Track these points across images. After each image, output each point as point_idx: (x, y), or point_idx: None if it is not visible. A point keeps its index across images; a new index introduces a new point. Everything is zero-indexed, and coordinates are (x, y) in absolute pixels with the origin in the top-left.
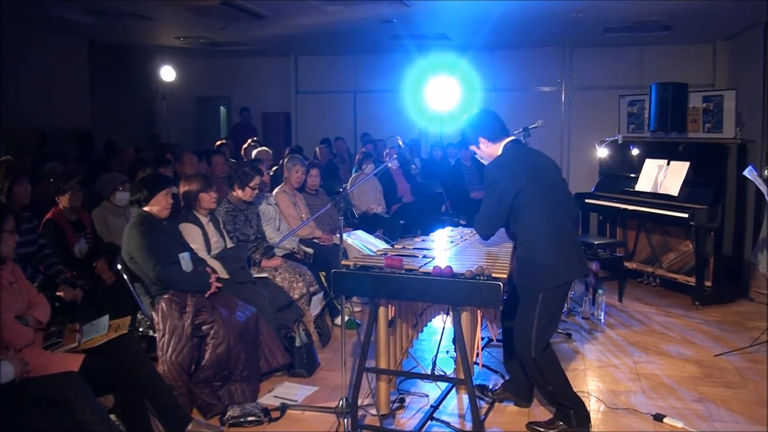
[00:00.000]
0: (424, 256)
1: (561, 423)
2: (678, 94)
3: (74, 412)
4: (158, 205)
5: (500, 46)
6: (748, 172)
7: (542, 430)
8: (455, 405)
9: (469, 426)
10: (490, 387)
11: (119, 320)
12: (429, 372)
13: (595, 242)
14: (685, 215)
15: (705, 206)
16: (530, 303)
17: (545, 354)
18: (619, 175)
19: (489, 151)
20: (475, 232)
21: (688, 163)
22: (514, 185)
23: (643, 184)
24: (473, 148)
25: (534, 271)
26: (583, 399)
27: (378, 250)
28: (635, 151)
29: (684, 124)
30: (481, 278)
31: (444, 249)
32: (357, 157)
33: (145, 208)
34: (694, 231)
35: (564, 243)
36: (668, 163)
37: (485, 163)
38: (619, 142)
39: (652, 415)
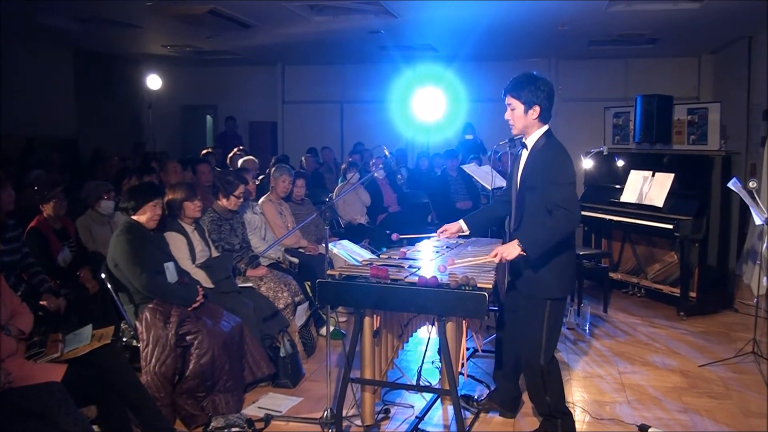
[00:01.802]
0: (410, 266)
1: None
2: (663, 107)
3: (56, 423)
4: (146, 216)
5: (486, 57)
6: (733, 184)
7: None
8: (440, 416)
9: None
10: (476, 397)
11: (102, 330)
12: (414, 382)
13: (581, 253)
14: (670, 226)
15: (690, 217)
16: (538, 313)
17: (551, 364)
18: (604, 186)
19: (529, 122)
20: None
21: (672, 175)
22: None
23: (628, 195)
24: (514, 104)
25: (545, 279)
26: (570, 409)
27: (363, 260)
28: (620, 163)
29: (669, 136)
30: (467, 288)
31: (430, 259)
32: (342, 166)
33: (133, 217)
34: (678, 242)
35: (573, 256)
36: (653, 175)
37: (516, 127)
38: (605, 153)
39: (637, 425)
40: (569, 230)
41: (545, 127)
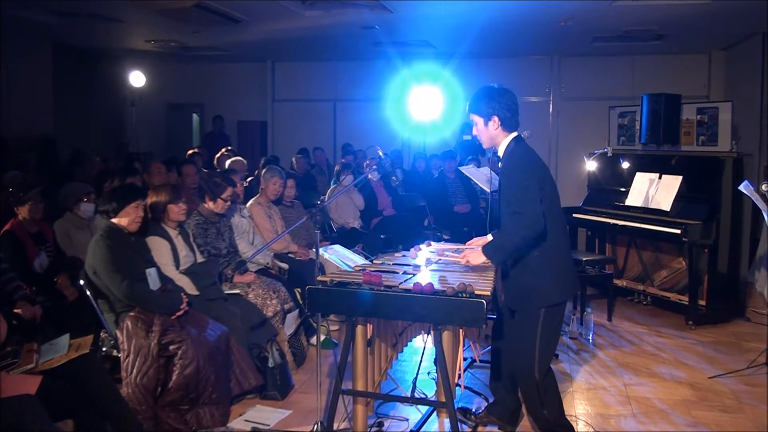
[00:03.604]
0: (405, 272)
1: None
2: (670, 106)
3: None
4: (127, 218)
5: (486, 54)
6: (744, 187)
7: None
8: (436, 429)
9: None
10: (473, 410)
11: (80, 339)
12: (409, 394)
13: (584, 258)
14: (678, 231)
15: (699, 222)
16: (531, 321)
17: (547, 377)
18: (608, 189)
19: (493, 134)
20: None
21: (680, 177)
22: (538, 184)
23: (634, 199)
24: (475, 119)
25: (536, 286)
26: (572, 423)
27: (356, 266)
28: (625, 164)
29: (677, 136)
30: (464, 295)
31: (425, 265)
32: (336, 168)
33: (114, 220)
34: (687, 247)
35: (567, 257)
36: (660, 177)
37: (483, 141)
38: (609, 154)
39: None
40: (527, 235)
41: (512, 135)
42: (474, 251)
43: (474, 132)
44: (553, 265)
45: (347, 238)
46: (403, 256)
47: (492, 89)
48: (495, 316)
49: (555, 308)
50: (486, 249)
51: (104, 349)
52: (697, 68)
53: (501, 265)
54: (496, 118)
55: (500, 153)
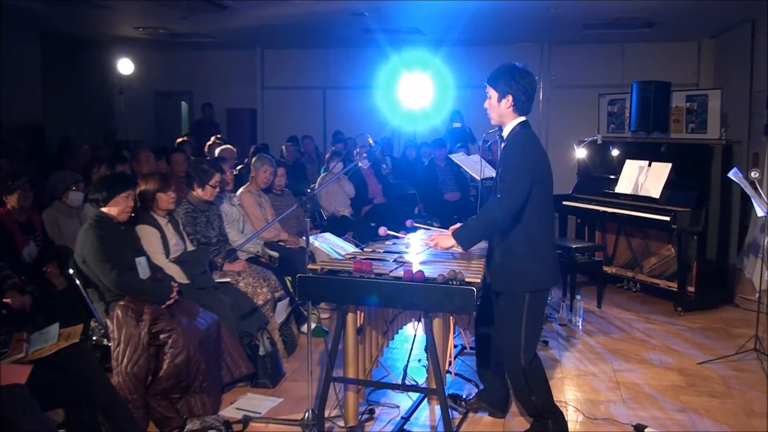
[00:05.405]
0: (395, 260)
1: None
2: (660, 93)
3: (21, 428)
4: (117, 207)
5: (475, 41)
6: (733, 174)
7: None
8: (427, 416)
9: None
10: (464, 396)
11: (70, 328)
12: (399, 382)
13: (573, 246)
14: (667, 218)
15: (688, 209)
16: (517, 306)
17: (533, 363)
18: (598, 177)
19: (503, 112)
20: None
21: (670, 165)
22: (532, 173)
23: (624, 186)
24: (490, 92)
25: (523, 271)
26: (561, 409)
27: (346, 254)
28: (615, 152)
29: (666, 124)
30: (454, 283)
31: (416, 252)
32: (326, 156)
33: (103, 209)
34: (676, 234)
35: (552, 247)
36: (649, 165)
37: (492, 117)
38: (599, 142)
39: (632, 425)
40: (503, 216)
41: (521, 119)
42: (443, 234)
43: (485, 104)
44: (540, 252)
45: (337, 226)
46: (394, 244)
47: (514, 68)
48: (478, 302)
49: (539, 294)
50: (457, 233)
51: (94, 338)
52: (686, 56)
53: (468, 249)
54: (510, 98)
55: (505, 133)
